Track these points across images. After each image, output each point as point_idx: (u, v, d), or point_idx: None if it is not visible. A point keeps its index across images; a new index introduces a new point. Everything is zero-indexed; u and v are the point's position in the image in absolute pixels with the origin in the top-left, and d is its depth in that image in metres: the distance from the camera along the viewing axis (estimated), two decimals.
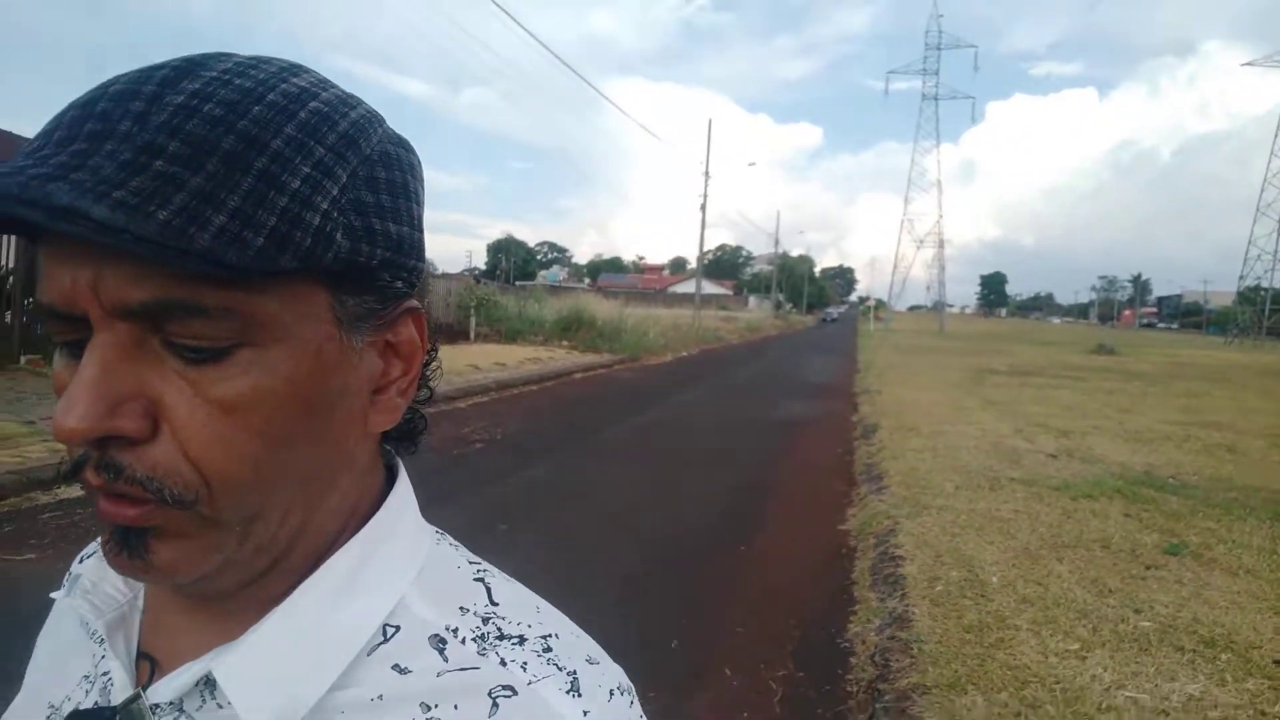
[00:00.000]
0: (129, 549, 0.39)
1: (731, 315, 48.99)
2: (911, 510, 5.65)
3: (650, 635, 3.75)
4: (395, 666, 0.43)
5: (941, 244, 77.46)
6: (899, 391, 13.96)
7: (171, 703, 0.43)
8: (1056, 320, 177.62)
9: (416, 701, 0.42)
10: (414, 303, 0.46)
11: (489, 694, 0.42)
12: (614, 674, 0.47)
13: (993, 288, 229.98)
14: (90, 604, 0.48)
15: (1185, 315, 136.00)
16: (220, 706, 0.42)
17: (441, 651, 0.43)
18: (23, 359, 9.85)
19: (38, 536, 4.44)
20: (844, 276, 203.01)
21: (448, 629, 0.44)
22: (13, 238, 10.21)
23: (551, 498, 6.20)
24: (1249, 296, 69.11)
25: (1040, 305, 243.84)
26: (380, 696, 0.42)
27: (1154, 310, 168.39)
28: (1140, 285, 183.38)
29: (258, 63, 0.40)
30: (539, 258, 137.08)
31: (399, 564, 0.46)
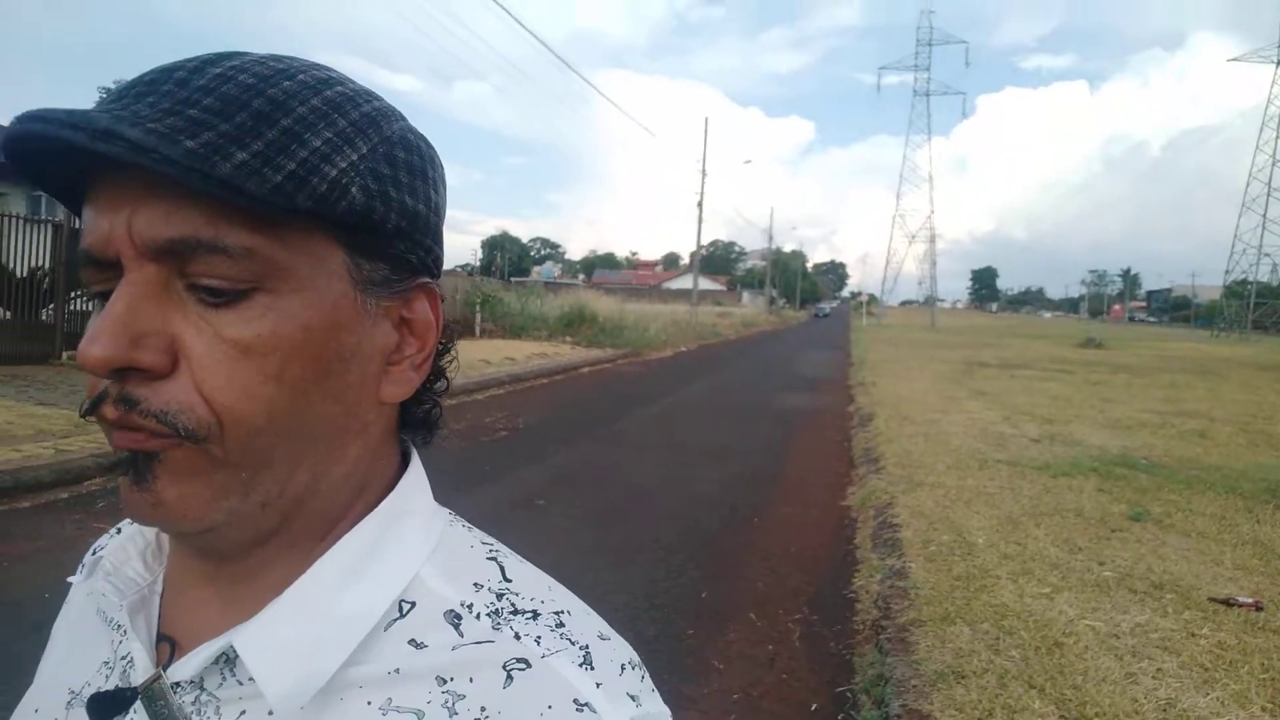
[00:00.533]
0: (140, 479, 0.40)
1: (727, 311, 49.64)
2: (907, 487, 6.27)
3: (681, 589, 4.36)
4: (412, 641, 0.44)
5: (933, 239, 78.29)
6: (892, 384, 14.61)
7: (192, 680, 0.44)
8: (1047, 314, 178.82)
9: (433, 675, 0.43)
10: (427, 279, 0.48)
11: (504, 667, 0.43)
12: (625, 649, 0.47)
13: (984, 282, 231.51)
14: (113, 585, 0.49)
15: (1175, 309, 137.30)
16: (240, 683, 0.43)
17: (457, 627, 0.45)
18: (65, 355, 10.40)
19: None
20: (836, 271, 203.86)
21: (463, 604, 0.46)
22: (51, 238, 10.78)
23: (579, 478, 6.81)
24: (1236, 290, 70.03)
25: (1031, 300, 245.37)
26: (397, 670, 0.43)
27: (1143, 304, 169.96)
28: (1130, 279, 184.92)
29: (285, 58, 0.43)
30: (533, 254, 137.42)
31: (414, 542, 0.47)
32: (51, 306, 10.86)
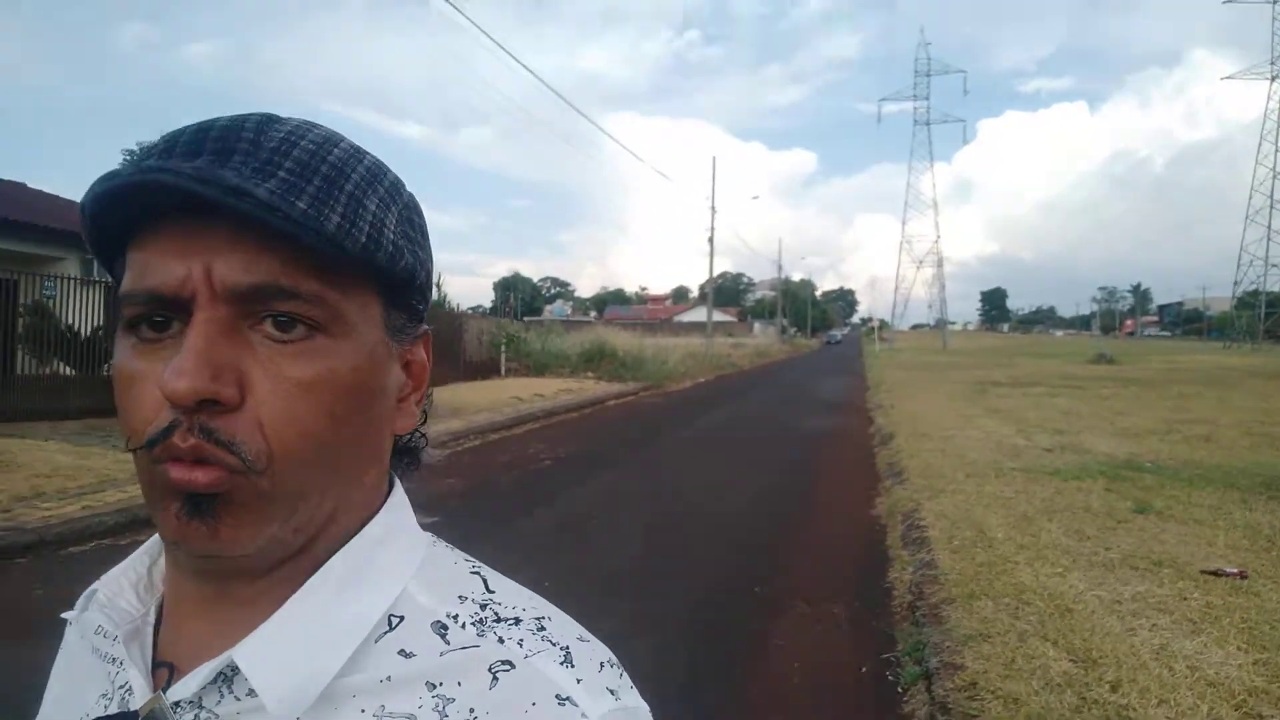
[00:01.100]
0: (200, 515, 0.43)
1: (740, 342, 50.26)
2: (930, 495, 6.85)
3: (735, 584, 4.95)
4: (401, 651, 0.47)
5: (941, 263, 79.20)
6: (909, 405, 15.21)
7: (191, 700, 0.46)
8: (1059, 333, 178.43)
9: (423, 681, 0.46)
10: (427, 327, 0.55)
11: (489, 669, 0.46)
12: (603, 650, 0.50)
13: (994, 303, 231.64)
14: (107, 617, 0.51)
15: (1187, 322, 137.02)
16: (238, 698, 0.46)
17: (444, 635, 0.47)
18: None
19: None
20: (845, 299, 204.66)
21: (449, 615, 0.48)
22: (105, 297, 11.48)
23: (625, 496, 7.43)
24: (1247, 301, 70.30)
25: (1042, 319, 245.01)
26: (389, 678, 0.46)
27: (1156, 319, 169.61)
28: (1140, 294, 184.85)
29: (314, 124, 0.49)
30: (544, 293, 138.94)
31: (400, 560, 0.51)
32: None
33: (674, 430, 12.56)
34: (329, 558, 0.48)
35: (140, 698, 0.47)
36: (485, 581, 0.52)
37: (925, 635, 3.86)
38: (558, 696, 0.45)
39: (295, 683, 0.44)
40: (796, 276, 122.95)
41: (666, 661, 3.75)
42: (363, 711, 0.45)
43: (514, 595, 0.51)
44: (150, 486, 0.44)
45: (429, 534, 0.55)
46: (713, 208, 35.63)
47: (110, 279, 0.49)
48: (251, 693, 0.44)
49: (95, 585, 0.55)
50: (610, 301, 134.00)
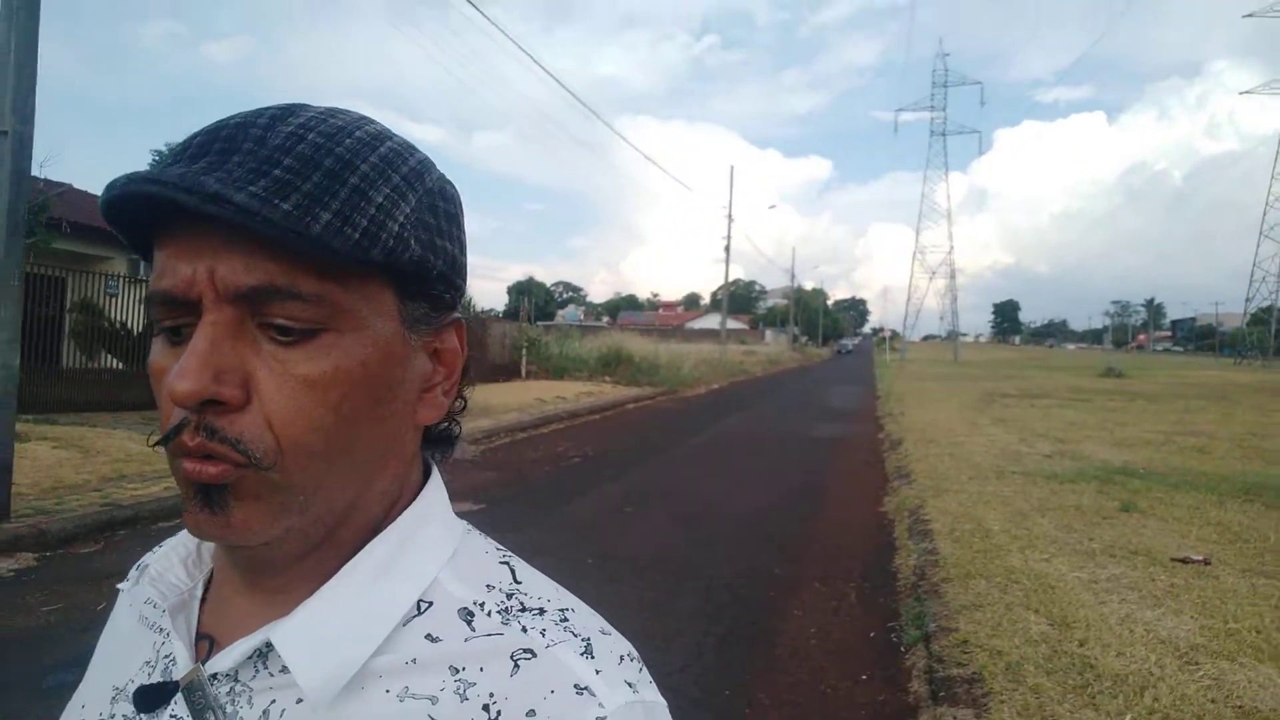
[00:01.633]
0: (210, 505, 0.45)
1: (752, 349, 50.85)
2: (934, 494, 7.46)
3: (758, 565, 5.57)
4: (428, 636, 0.48)
5: (954, 274, 79.46)
6: (918, 413, 15.83)
7: (228, 673, 0.48)
8: (1070, 346, 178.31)
9: (446, 665, 0.47)
10: (458, 315, 0.54)
11: (511, 656, 0.47)
12: (623, 644, 0.51)
13: (1006, 315, 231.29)
14: (157, 590, 0.53)
15: (1200, 337, 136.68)
16: (271, 674, 0.48)
17: (469, 622, 0.49)
18: None
19: None
20: (857, 308, 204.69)
21: (475, 603, 0.50)
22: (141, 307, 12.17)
23: (652, 492, 8.06)
24: (1260, 318, 70.41)
25: (1054, 332, 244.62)
26: (414, 660, 0.47)
27: (1168, 334, 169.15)
28: (1154, 309, 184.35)
29: (338, 111, 0.49)
30: (556, 298, 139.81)
31: (433, 548, 0.52)
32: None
33: (694, 433, 13.20)
34: (356, 546, 0.50)
35: (183, 668, 0.50)
36: (513, 572, 0.53)
37: (925, 607, 4.47)
38: (576, 686, 0.46)
39: (328, 665, 0.46)
40: (809, 285, 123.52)
41: (703, 624, 4.38)
42: (387, 692, 0.47)
43: (540, 586, 0.53)
44: (175, 478, 0.46)
45: (463, 522, 0.57)
46: (729, 216, 36.34)
47: None
48: (284, 670, 0.47)
49: (146, 559, 0.59)
50: (623, 307, 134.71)
